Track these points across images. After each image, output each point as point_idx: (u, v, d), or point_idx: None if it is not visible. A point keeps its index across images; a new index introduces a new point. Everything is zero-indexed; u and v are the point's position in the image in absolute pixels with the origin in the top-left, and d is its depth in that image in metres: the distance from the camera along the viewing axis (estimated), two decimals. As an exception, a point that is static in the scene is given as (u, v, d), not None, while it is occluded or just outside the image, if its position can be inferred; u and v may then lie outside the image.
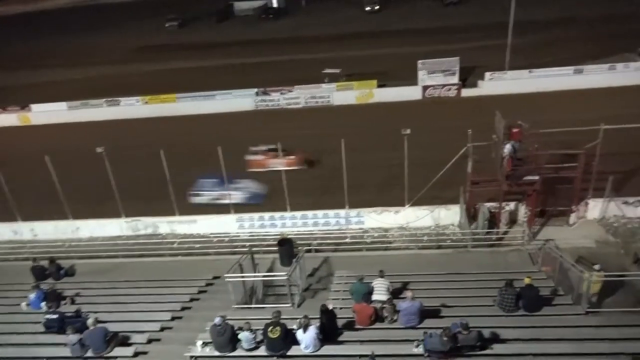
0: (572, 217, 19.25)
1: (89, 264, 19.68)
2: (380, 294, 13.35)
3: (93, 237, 22.19)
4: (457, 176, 19.73)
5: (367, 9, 65.59)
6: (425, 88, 35.96)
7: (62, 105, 40.27)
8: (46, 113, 40.11)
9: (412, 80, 36.31)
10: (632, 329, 11.50)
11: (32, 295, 15.92)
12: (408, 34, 51.95)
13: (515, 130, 19.19)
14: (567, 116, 24.03)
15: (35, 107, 40.56)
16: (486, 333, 11.45)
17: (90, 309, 15.05)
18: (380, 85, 36.85)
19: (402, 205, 20.40)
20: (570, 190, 18.61)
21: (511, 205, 19.59)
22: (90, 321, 13.54)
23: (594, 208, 19.37)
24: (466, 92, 35.72)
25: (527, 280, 12.40)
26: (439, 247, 18.71)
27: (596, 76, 34.33)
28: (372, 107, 35.68)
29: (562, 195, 19.15)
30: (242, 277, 15.35)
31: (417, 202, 20.29)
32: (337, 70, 38.45)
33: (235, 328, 12.55)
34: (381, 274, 13.77)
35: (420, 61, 36.00)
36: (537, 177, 17.72)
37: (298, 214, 21.14)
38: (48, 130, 37.61)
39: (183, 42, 60.20)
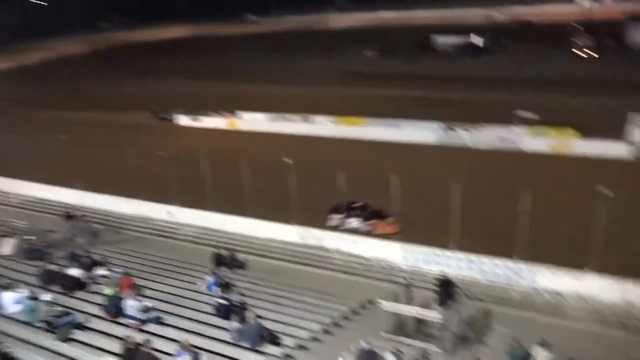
0: None
1: (261, 262, 21.43)
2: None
3: (269, 239, 24.03)
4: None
5: (578, 54, 60.37)
6: (638, 146, 31.60)
7: (264, 117, 45.11)
8: (250, 121, 45.25)
9: (620, 135, 32.25)
10: None
11: (210, 279, 17.92)
12: (622, 85, 46.32)
13: None
14: None
15: (242, 114, 46.11)
16: None
17: (253, 303, 16.32)
18: (580, 137, 33.45)
19: (584, 269, 18.08)
20: None
21: None
22: (251, 315, 14.72)
23: None
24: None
25: None
26: (624, 329, 16.07)
27: None
28: (569, 159, 32.52)
29: None
30: (398, 307, 15.18)
31: (603, 270, 17.78)
32: (531, 115, 36.04)
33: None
34: (543, 344, 12.33)
35: (634, 113, 31.82)
36: None
37: (462, 255, 20.13)
38: (250, 136, 42.20)
39: (381, 72, 62.45)
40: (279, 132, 42.28)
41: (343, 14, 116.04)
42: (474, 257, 19.97)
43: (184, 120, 48.73)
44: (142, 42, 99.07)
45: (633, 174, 28.99)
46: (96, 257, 19.61)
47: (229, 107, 47.72)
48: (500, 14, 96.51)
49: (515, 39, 71.74)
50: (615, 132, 32.71)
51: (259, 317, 14.80)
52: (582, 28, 71.20)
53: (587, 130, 33.93)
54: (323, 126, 42.13)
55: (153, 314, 15.22)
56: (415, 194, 24.33)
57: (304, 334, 15.13)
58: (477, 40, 69.99)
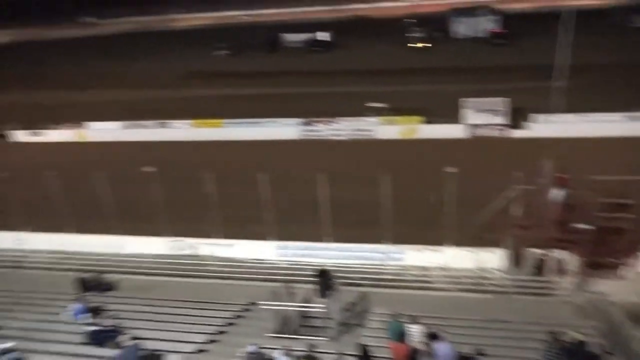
0: (624, 271, 18.33)
1: (131, 280, 20.03)
2: (414, 340, 13.00)
3: (137, 254, 22.59)
4: (504, 219, 19.22)
5: (413, 45, 66.00)
6: (471, 127, 35.61)
7: (115, 125, 42.00)
8: (100, 131, 41.86)
9: (457, 118, 36.05)
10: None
11: (74, 306, 16.31)
12: (454, 72, 51.83)
13: (565, 176, 18.68)
14: (616, 163, 23.25)
15: (90, 124, 42.44)
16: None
17: (129, 324, 15.26)
18: (425, 122, 36.74)
19: (443, 244, 19.99)
20: (622, 241, 17.81)
21: (560, 254, 18.86)
22: (125, 338, 13.75)
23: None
24: (514, 133, 35.15)
25: (577, 336, 11.78)
26: (480, 292, 18.13)
27: (649, 124, 33.21)
28: (416, 142, 35.53)
29: (613, 246, 18.32)
30: (278, 305, 15.27)
31: (459, 243, 19.84)
32: (381, 105, 38.63)
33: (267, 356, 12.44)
34: (414, 320, 13.38)
35: (467, 99, 35.78)
36: (589, 226, 17.06)
37: (336, 245, 21.01)
38: (101, 148, 39.08)
39: (232, 70, 61.91)
40: (135, 140, 39.82)
41: (190, 13, 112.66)
42: (346, 246, 20.91)
43: (22, 135, 43.51)
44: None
45: (471, 150, 32.67)
46: None
47: (74, 117, 43.68)
48: (342, 11, 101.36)
49: (358, 33, 76.09)
50: (452, 115, 36.42)
51: (137, 338, 13.90)
52: (414, 21, 77.84)
53: (430, 115, 37.32)
54: (180, 130, 40.63)
55: (13, 355, 13.46)
56: (283, 190, 24.58)
57: (188, 347, 14.56)
58: (324, 36, 72.81)
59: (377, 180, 20.04)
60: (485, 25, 69.57)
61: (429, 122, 36.96)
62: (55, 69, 69.06)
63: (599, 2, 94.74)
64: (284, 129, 38.40)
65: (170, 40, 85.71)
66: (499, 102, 35.21)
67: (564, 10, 34.50)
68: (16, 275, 21.62)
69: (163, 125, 41.20)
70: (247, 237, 22.43)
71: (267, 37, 75.15)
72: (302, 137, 38.11)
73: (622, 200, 18.14)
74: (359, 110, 38.67)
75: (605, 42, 59.32)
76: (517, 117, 36.07)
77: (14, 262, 22.90)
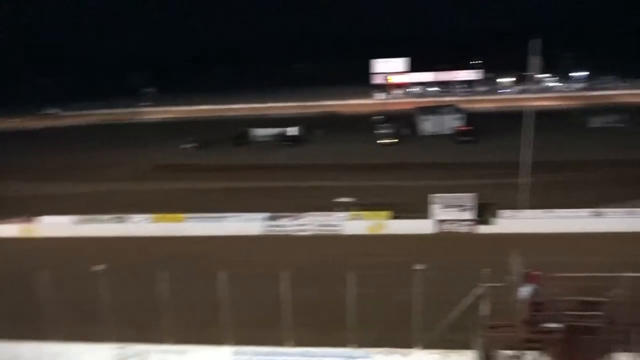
0: (599, 373, 18.03)
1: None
2: None
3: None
4: (473, 318, 18.98)
5: (382, 141, 68.71)
6: (439, 222, 36.22)
7: (67, 219, 40.98)
8: (51, 226, 40.71)
9: (425, 214, 36.71)
10: None
11: None
12: (422, 168, 53.66)
13: (534, 272, 18.82)
14: (585, 260, 23.74)
15: (40, 219, 41.33)
16: None
17: None
18: (393, 217, 37.23)
19: (411, 346, 19.44)
20: (595, 341, 17.66)
21: (531, 355, 18.51)
22: None
23: (623, 364, 18.19)
24: (481, 229, 35.83)
25: None
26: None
27: (615, 220, 34.42)
28: (384, 238, 35.72)
29: (585, 346, 18.12)
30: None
31: (428, 345, 19.35)
32: (350, 199, 39.20)
33: None
34: None
35: (434, 195, 36.71)
36: (559, 325, 16.96)
37: (298, 350, 20.19)
38: (50, 244, 37.84)
39: (198, 164, 62.68)
40: (88, 235, 38.82)
41: (157, 107, 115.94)
42: (309, 350, 20.12)
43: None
44: None
45: (439, 246, 32.97)
46: None
47: (24, 210, 42.59)
48: (310, 107, 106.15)
49: (327, 129, 79.13)
50: (421, 210, 37.12)
51: None
52: (382, 118, 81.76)
53: (398, 211, 37.91)
54: (139, 225, 39.89)
55: None
56: (243, 289, 23.96)
57: None
58: (293, 131, 75.43)
59: (343, 278, 19.79)
60: (451, 122, 73.54)
61: (397, 217, 37.47)
62: (9, 160, 68.51)
63: (558, 103, 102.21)
64: (247, 224, 38.22)
65: (137, 133, 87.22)
66: (467, 198, 36.19)
67: (524, 111, 36.85)
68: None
69: (120, 220, 40.47)
70: (201, 342, 21.39)
71: (236, 131, 77.28)
72: (266, 233, 37.89)
73: (592, 299, 18.22)
74: (326, 205, 39.07)
75: (567, 141, 63.15)
76: (485, 213, 36.96)
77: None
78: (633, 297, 17.64)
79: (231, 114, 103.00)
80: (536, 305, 17.68)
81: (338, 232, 37.39)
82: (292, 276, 20.52)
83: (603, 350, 17.76)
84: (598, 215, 35.16)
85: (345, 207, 38.62)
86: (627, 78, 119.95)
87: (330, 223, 37.82)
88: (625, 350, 17.92)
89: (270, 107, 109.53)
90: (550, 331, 17.12)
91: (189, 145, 72.58)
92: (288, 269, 21.34)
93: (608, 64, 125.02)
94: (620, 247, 30.52)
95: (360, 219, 37.71)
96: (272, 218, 38.42)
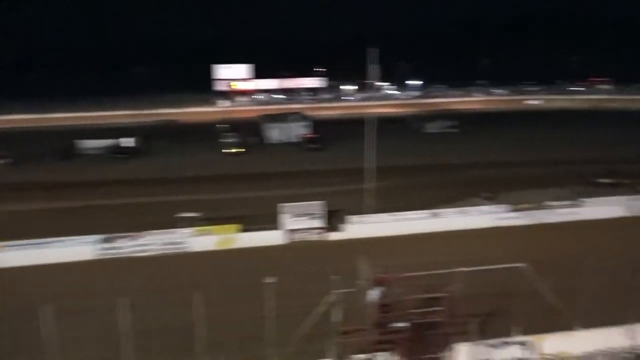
0: (444, 365, 19.91)
1: None
2: None
3: None
4: (326, 326, 19.72)
5: (228, 151, 68.37)
6: (289, 232, 37.03)
7: None
8: None
9: (275, 224, 37.29)
10: None
11: None
12: (270, 178, 54.52)
13: (381, 275, 20.17)
14: (427, 259, 26.08)
15: None
16: None
17: None
18: (242, 230, 37.17)
19: (268, 363, 19.61)
20: (438, 335, 19.49)
21: (382, 357, 19.80)
22: None
23: (461, 353, 20.28)
24: (332, 236, 37.41)
25: None
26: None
27: (451, 219, 38.39)
28: (234, 253, 35.50)
29: (430, 341, 19.91)
30: None
31: (284, 358, 19.64)
32: (195, 214, 38.31)
33: None
34: None
35: (283, 205, 37.48)
36: (405, 324, 18.38)
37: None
38: None
39: (13, 183, 56.31)
40: None
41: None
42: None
43: None
44: None
45: (290, 257, 33.72)
46: None
47: None
48: (147, 115, 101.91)
49: (167, 139, 76.64)
50: (270, 221, 37.62)
51: None
52: (227, 127, 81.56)
53: (247, 223, 37.97)
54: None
55: None
56: (73, 323, 22.09)
57: None
58: (128, 142, 71.59)
59: (191, 299, 19.21)
60: (298, 130, 75.95)
61: (246, 230, 37.48)
62: None
63: (397, 110, 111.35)
64: (76, 249, 35.08)
65: None
66: (316, 206, 37.54)
67: (366, 117, 39.46)
68: None
69: None
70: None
71: (60, 143, 71.05)
72: (100, 257, 35.27)
73: (433, 295, 20.08)
74: (169, 222, 37.65)
75: (406, 147, 69.06)
76: (334, 220, 38.71)
77: None
78: (468, 290, 19.87)
79: (54, 124, 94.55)
80: (384, 307, 18.98)
81: (184, 250, 36.23)
82: (133, 302, 19.45)
83: (445, 343, 19.67)
84: (435, 215, 38.89)
85: (191, 223, 37.63)
86: (457, 86, 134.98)
87: (174, 241, 36.49)
88: (464, 340, 20.06)
89: (101, 115, 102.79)
90: (398, 331, 18.49)
91: (1, 161, 64.96)
92: (128, 294, 20.20)
93: (440, 74, 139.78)
94: (455, 244, 34.18)
95: (207, 234, 37.00)
96: (106, 240, 35.89)
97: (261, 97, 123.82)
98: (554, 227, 38.41)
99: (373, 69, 40.00)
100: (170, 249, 36.13)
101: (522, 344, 20.41)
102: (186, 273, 31.18)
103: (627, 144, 67.55)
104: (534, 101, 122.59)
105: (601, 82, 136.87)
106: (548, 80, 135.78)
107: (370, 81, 45.22)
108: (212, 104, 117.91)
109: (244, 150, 69.11)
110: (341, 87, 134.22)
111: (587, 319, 21.21)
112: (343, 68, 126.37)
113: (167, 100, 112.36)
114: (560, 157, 60.43)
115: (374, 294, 19.20)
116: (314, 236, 37.20)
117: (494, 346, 20.36)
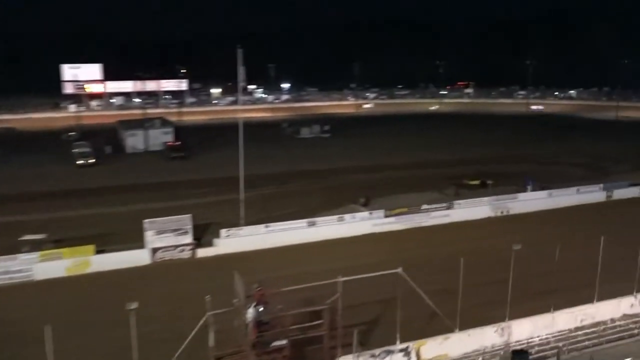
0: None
1: None
2: None
3: None
4: (200, 351, 19.17)
5: (79, 162, 64.08)
6: (154, 250, 35.55)
7: None
8: None
9: (139, 242, 35.62)
10: None
11: None
12: (130, 191, 51.96)
13: (257, 291, 20.05)
14: (306, 270, 26.57)
15: None
16: None
17: None
18: (98, 252, 35.00)
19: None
20: (319, 350, 19.79)
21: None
22: None
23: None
24: (201, 252, 36.48)
25: None
26: None
27: (328, 228, 39.32)
28: (89, 278, 33.25)
29: (312, 357, 20.17)
30: None
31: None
32: (40, 236, 35.42)
33: None
34: None
35: (146, 220, 35.90)
36: (284, 342, 18.43)
37: None
38: None
39: None
40: None
41: None
42: None
43: None
44: None
45: (156, 278, 32.36)
46: None
47: None
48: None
49: (7, 149, 70.45)
50: (132, 240, 35.86)
51: None
52: (77, 134, 76.72)
53: (104, 244, 35.83)
54: None
55: None
56: None
57: None
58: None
59: (39, 335, 17.58)
60: (160, 137, 73.52)
61: (104, 251, 35.36)
62: None
63: (268, 115, 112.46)
64: None
65: None
66: (182, 220, 36.39)
67: (235, 122, 39.15)
68: None
69: None
70: None
71: None
72: None
73: (313, 308, 20.36)
74: (8, 247, 34.40)
75: (279, 153, 69.75)
76: (204, 235, 37.92)
77: None
78: (348, 300, 20.43)
79: None
80: (262, 325, 18.88)
81: (28, 279, 33.21)
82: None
83: (328, 357, 20.03)
84: (312, 224, 39.60)
85: (35, 246, 34.70)
86: (328, 90, 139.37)
87: (15, 269, 33.27)
88: (347, 353, 20.58)
89: None
90: (278, 349, 18.49)
91: None
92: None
93: (311, 77, 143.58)
94: (333, 253, 35.07)
95: (56, 258, 34.28)
96: None
97: (117, 100, 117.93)
98: (429, 230, 41.02)
99: (241, 71, 39.86)
100: (10, 279, 32.94)
101: (403, 350, 21.37)
102: (31, 305, 28.55)
103: (490, 145, 74.69)
104: (406, 105, 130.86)
105: (467, 86, 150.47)
106: (415, 84, 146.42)
107: (240, 84, 44.94)
108: (59, 109, 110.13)
109: (94, 160, 65.05)
110: (211, 90, 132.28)
111: (464, 320, 22.78)
112: (208, 70, 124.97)
113: (3, 105, 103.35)
114: (432, 159, 64.96)
115: (251, 312, 19.00)
116: (183, 254, 36.05)
117: (376, 356, 21.12)
